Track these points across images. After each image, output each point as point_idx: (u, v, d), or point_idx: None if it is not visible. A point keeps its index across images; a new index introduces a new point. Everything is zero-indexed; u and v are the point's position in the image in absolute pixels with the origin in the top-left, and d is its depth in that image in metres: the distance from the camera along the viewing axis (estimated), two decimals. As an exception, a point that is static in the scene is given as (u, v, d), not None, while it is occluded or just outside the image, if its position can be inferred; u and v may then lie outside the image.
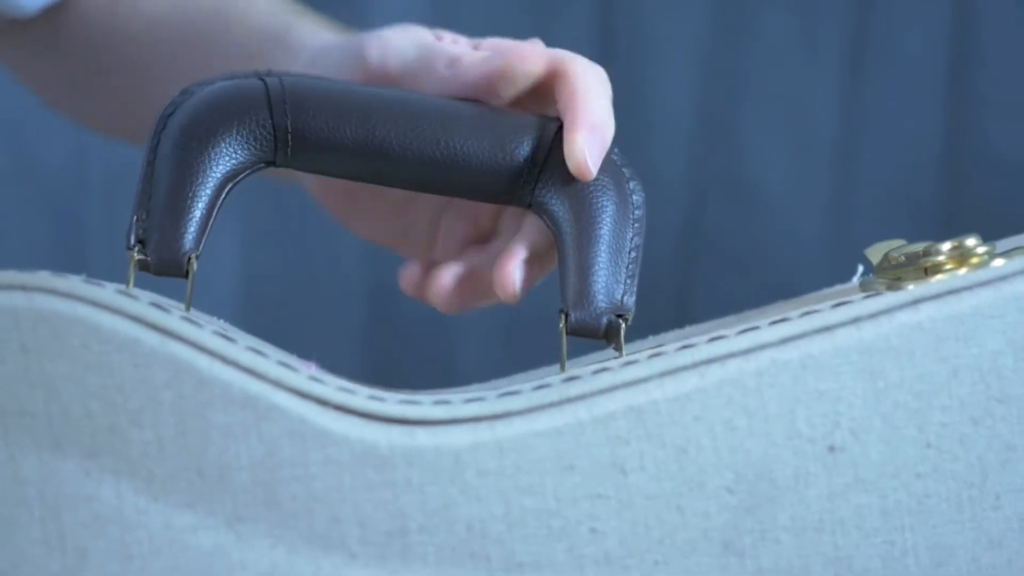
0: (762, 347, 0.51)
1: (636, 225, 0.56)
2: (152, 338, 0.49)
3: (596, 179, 0.56)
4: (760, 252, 1.26)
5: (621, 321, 0.55)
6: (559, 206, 0.56)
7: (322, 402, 0.49)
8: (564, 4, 1.26)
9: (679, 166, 1.30)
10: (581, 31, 1.35)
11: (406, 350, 1.28)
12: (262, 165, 0.55)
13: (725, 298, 1.24)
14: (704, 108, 1.24)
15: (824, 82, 1.26)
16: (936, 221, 1.26)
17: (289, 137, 0.55)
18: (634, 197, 0.56)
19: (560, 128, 0.56)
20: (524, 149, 0.56)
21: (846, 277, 0.59)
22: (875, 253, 0.58)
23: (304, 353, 0.54)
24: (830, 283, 0.60)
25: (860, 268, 0.63)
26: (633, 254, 0.55)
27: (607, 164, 0.56)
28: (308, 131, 0.55)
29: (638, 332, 0.57)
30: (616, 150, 0.57)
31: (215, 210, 0.54)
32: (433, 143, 0.56)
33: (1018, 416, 0.51)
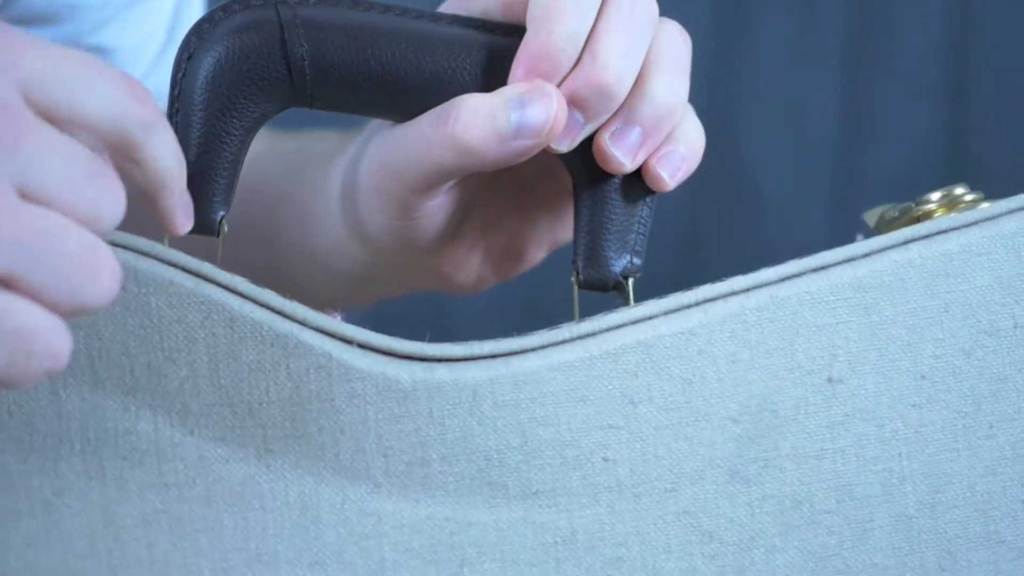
0: (762, 285, 0.53)
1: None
2: (187, 280, 0.52)
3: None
4: (760, 252, 1.26)
5: (630, 279, 0.57)
6: (575, 153, 0.58)
7: (347, 340, 0.52)
8: None
9: None
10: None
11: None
12: (283, 107, 0.57)
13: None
14: (704, 108, 1.25)
15: (824, 82, 1.27)
16: (936, 221, 1.28)
17: (307, 69, 0.55)
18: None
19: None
20: None
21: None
22: (871, 216, 0.61)
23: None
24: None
25: (859, 236, 0.66)
26: (645, 211, 0.58)
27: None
28: (325, 62, 0.55)
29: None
30: None
31: (240, 163, 0.56)
32: (444, 67, 0.56)
33: (1007, 348, 0.54)
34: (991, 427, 0.54)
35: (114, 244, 0.52)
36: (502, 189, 0.63)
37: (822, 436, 0.53)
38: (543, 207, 0.63)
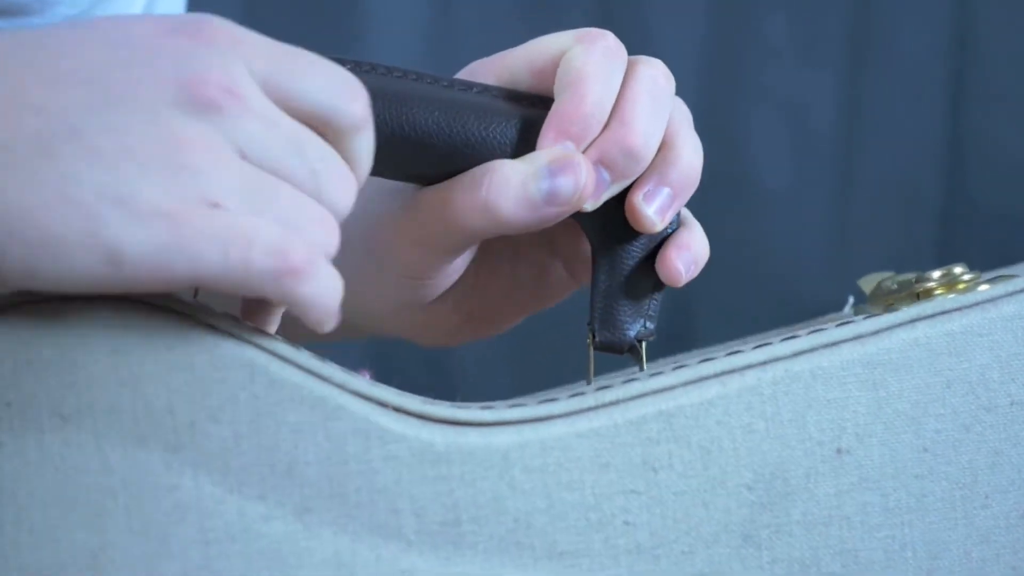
0: (776, 359, 0.56)
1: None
2: (229, 342, 0.53)
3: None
4: (760, 251, 1.27)
5: (643, 342, 0.60)
6: (594, 218, 0.60)
7: (382, 404, 0.54)
8: (564, 4, 1.28)
9: None
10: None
11: (410, 371, 1.27)
12: None
13: (725, 297, 1.27)
14: (704, 108, 1.23)
15: (824, 82, 1.27)
16: (936, 221, 1.25)
17: None
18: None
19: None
20: None
21: (846, 277, 0.63)
22: (868, 283, 0.64)
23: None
24: (830, 283, 0.65)
25: (851, 299, 0.69)
26: (660, 280, 0.60)
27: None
28: None
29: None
30: None
31: None
32: (475, 133, 0.59)
33: (1004, 424, 0.57)
34: (987, 498, 0.57)
35: (156, 305, 0.54)
36: (496, 252, 0.65)
37: (830, 504, 0.56)
38: (533, 273, 0.66)
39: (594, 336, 0.60)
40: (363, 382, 0.55)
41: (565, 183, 0.58)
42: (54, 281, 0.50)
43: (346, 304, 0.65)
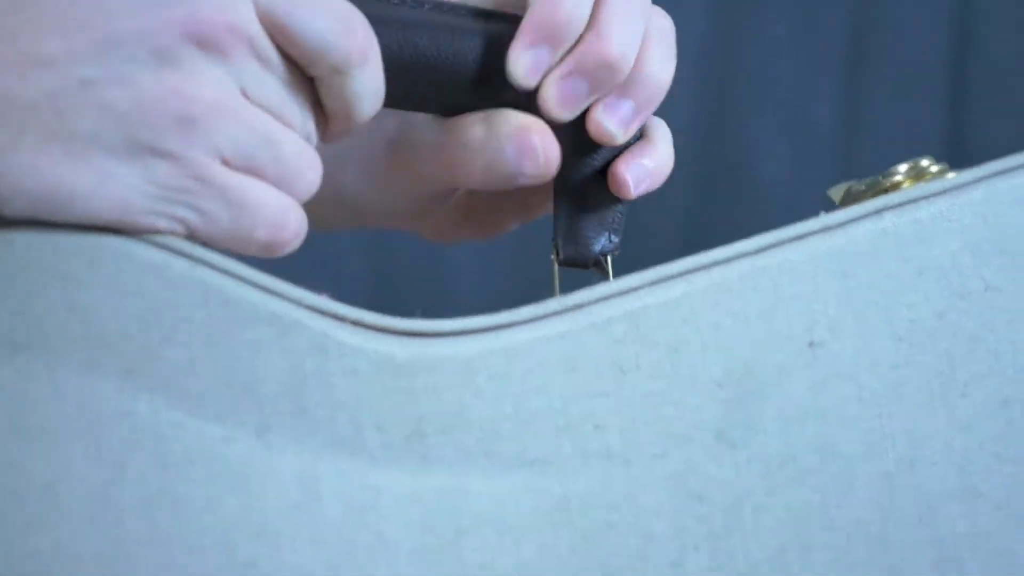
0: (742, 255, 0.55)
1: None
2: (181, 263, 0.52)
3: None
4: None
5: (609, 256, 0.59)
6: (560, 130, 0.59)
7: (339, 318, 0.53)
8: None
9: (680, 164, 1.29)
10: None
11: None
12: None
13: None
14: (704, 107, 1.23)
15: (824, 81, 1.27)
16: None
17: None
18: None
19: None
20: None
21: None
22: (836, 192, 0.63)
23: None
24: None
25: (822, 214, 0.68)
26: None
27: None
28: None
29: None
30: None
31: None
32: (447, 52, 0.58)
33: (979, 310, 0.56)
34: (966, 386, 0.55)
35: (105, 230, 0.53)
36: None
37: (804, 398, 0.55)
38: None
39: (558, 252, 0.59)
40: (320, 299, 0.53)
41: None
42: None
43: (359, 197, 0.65)
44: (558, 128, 0.58)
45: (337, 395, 0.53)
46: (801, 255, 0.55)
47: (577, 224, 0.59)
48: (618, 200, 0.59)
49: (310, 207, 0.55)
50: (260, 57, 0.52)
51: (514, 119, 0.58)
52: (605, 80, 0.58)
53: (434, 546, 0.53)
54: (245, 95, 0.52)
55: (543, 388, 0.53)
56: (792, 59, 1.27)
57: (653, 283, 0.54)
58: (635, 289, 0.54)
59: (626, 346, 0.54)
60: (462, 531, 0.53)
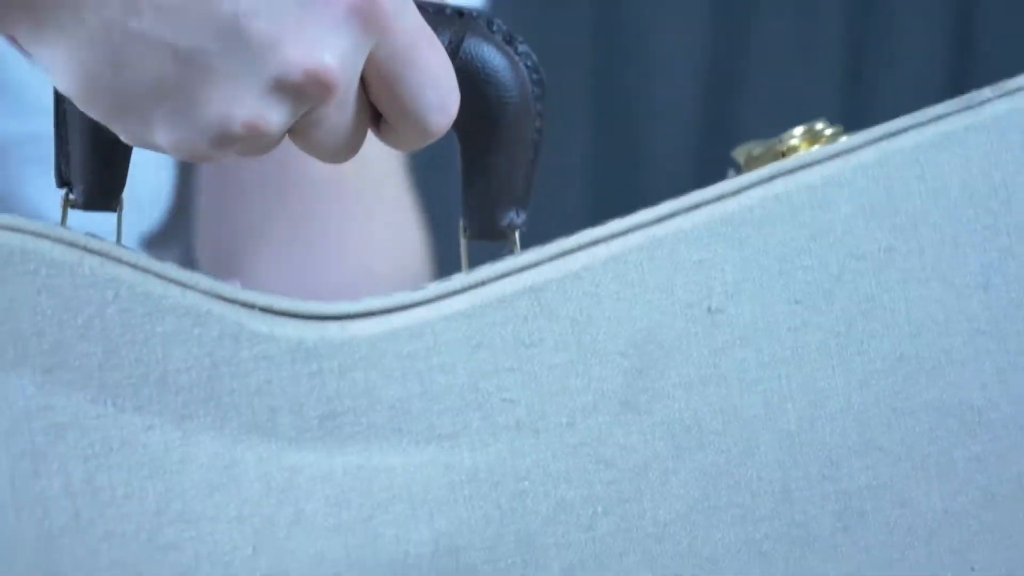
0: (639, 226, 0.57)
1: (538, 121, 0.60)
2: (92, 260, 0.54)
3: (496, 74, 0.59)
4: None
5: (517, 231, 0.60)
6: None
7: (250, 306, 0.55)
8: (564, 5, 1.29)
9: (680, 165, 1.29)
10: (581, 32, 1.35)
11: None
12: None
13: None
14: (705, 108, 1.24)
15: (824, 83, 1.28)
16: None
17: None
18: (534, 88, 0.60)
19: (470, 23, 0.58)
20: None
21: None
22: (740, 153, 0.64)
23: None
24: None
25: (731, 172, 0.69)
26: (532, 153, 0.60)
27: (504, 52, 0.59)
28: None
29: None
30: (499, 23, 0.60)
31: None
32: None
33: (875, 270, 0.57)
34: (862, 344, 0.57)
35: (15, 229, 0.54)
36: None
37: (706, 363, 0.56)
38: None
39: (465, 227, 0.60)
40: (231, 288, 0.55)
41: None
42: None
43: None
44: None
45: (251, 381, 0.54)
46: (697, 223, 0.57)
47: (483, 197, 0.60)
48: (526, 173, 0.60)
49: None
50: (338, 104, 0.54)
51: None
52: None
53: (350, 521, 0.54)
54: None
55: (449, 366, 0.55)
56: (792, 61, 1.28)
57: (553, 257, 0.56)
58: (536, 264, 0.56)
59: (530, 321, 0.56)
60: (377, 506, 0.55)
